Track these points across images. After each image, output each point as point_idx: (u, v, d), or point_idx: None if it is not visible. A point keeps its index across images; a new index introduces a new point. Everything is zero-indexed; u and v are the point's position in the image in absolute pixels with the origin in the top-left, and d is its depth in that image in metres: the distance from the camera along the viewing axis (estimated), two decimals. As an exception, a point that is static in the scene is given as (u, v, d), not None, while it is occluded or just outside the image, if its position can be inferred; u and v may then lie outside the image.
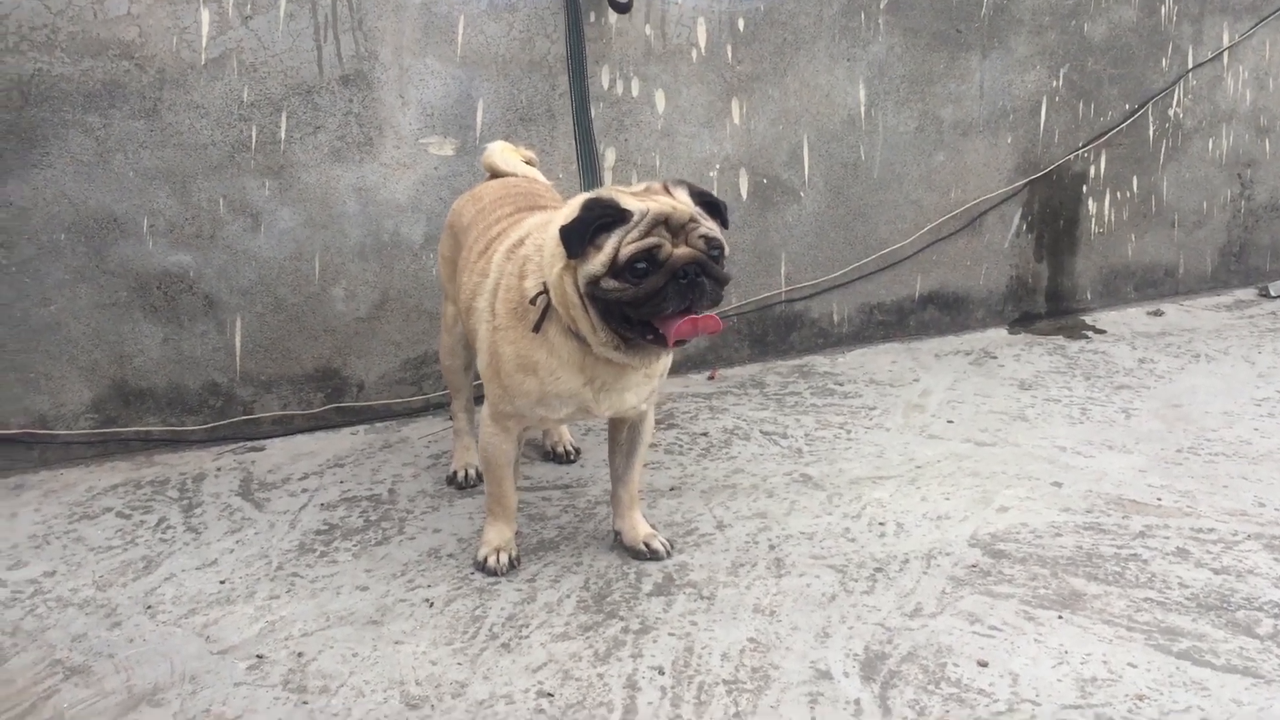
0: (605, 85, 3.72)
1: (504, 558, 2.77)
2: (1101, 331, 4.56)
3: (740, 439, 3.52)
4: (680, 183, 2.46)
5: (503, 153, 3.07)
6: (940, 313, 4.48)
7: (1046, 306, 4.69)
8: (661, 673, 2.35)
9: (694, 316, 2.35)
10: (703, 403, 3.83)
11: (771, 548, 2.85)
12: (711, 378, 4.06)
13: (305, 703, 2.29)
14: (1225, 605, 2.53)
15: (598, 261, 2.35)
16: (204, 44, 3.24)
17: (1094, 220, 4.67)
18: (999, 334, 4.53)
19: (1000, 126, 4.37)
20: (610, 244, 2.34)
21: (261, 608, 2.65)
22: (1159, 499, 3.06)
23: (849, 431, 3.57)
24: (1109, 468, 3.27)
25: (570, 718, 2.22)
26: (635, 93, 3.77)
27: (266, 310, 3.49)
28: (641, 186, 2.46)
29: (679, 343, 2.38)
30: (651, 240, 2.34)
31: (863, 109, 4.12)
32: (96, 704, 2.30)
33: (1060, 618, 2.50)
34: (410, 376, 3.71)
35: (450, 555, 2.87)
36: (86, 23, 3.12)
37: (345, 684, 2.35)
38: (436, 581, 2.75)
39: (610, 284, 2.35)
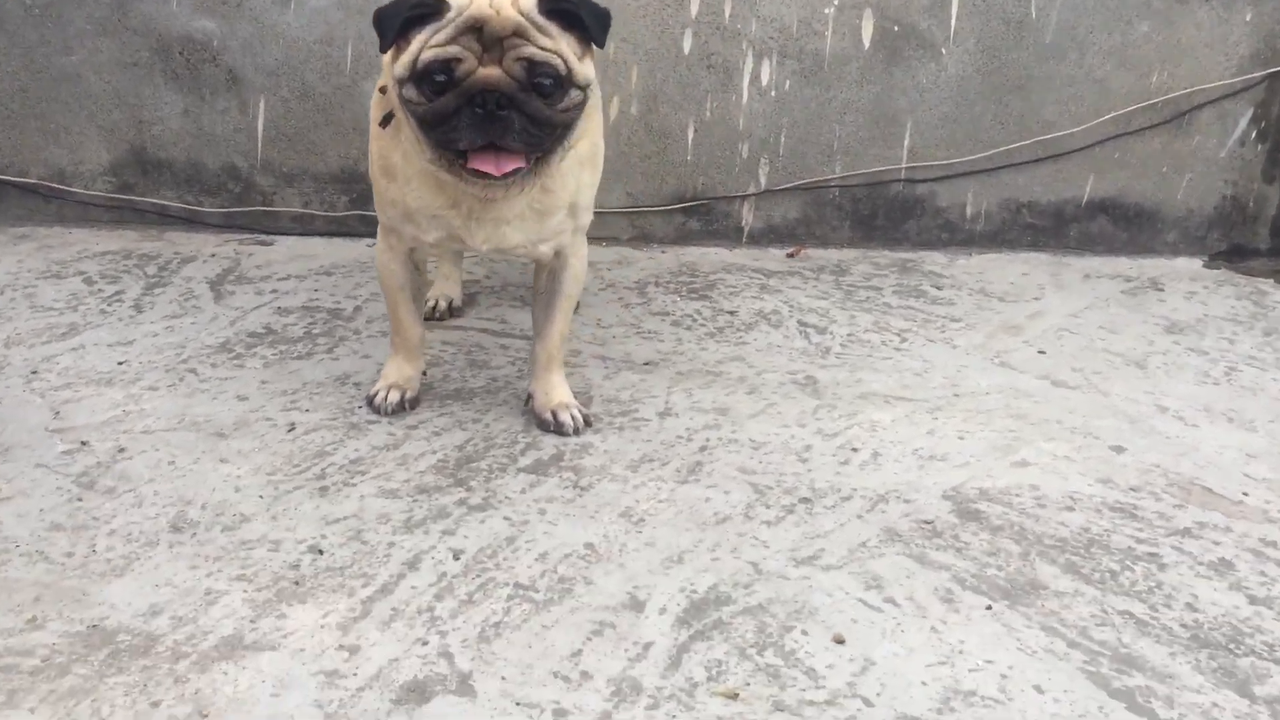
0: (703, -116, 3.13)
1: (394, 396, 2.42)
2: (1331, 284, 3.54)
3: (769, 325, 2.96)
4: None
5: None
6: (1115, 226, 3.61)
7: (1270, 242, 3.69)
8: (456, 558, 1.94)
9: (494, 156, 1.87)
10: (759, 280, 3.26)
11: (702, 449, 2.33)
12: (792, 255, 3.46)
13: (80, 499, 2.06)
14: (1232, 646, 1.79)
15: (402, 62, 1.91)
16: None
17: (1358, 141, 3.60)
18: (1189, 265, 3.60)
19: (1238, -1, 3.39)
20: (416, 42, 1.89)
21: (133, 396, 2.45)
22: (1245, 493, 2.26)
23: (904, 340, 2.92)
24: (1208, 443, 2.47)
25: (319, 581, 1.86)
26: (740, -102, 3.15)
27: (292, 96, 3.23)
28: None
29: (487, 176, 1.91)
30: (453, 50, 1.86)
31: (1042, -47, 3.28)
32: (-103, 453, 2.18)
33: (989, 609, 1.86)
34: (444, 194, 3.36)
35: (357, 384, 2.55)
36: None
37: (135, 490, 2.09)
38: (319, 407, 2.44)
39: (410, 92, 1.91)
